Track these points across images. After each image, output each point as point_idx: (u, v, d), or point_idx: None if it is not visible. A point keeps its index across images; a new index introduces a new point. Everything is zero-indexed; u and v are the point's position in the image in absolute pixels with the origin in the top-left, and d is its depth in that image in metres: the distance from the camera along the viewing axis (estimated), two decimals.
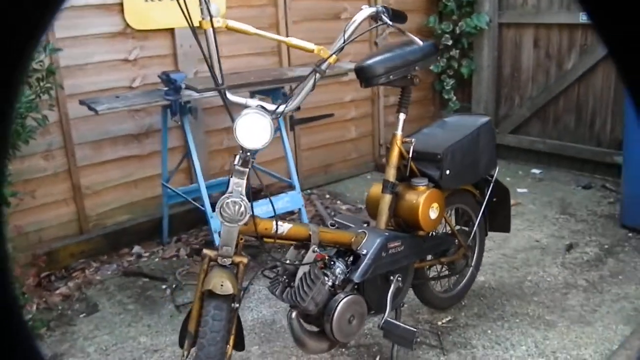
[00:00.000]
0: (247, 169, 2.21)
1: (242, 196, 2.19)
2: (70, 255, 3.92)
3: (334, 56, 2.23)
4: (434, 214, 2.77)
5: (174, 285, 3.67)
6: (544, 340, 2.97)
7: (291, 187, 4.04)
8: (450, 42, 5.44)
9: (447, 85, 5.54)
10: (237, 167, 2.22)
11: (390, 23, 2.33)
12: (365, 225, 2.79)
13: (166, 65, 4.17)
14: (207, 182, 3.90)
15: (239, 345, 2.49)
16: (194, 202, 3.86)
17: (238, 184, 2.21)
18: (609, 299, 3.30)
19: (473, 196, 3.19)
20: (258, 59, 4.65)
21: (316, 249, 2.45)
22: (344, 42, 2.25)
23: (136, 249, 4.17)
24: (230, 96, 2.28)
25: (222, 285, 2.12)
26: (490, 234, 3.39)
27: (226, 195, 2.19)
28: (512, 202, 4.12)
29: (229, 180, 2.23)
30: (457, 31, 5.38)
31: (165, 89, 3.52)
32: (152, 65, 4.14)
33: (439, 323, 3.16)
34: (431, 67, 5.59)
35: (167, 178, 4.07)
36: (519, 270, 3.65)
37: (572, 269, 3.62)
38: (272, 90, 3.90)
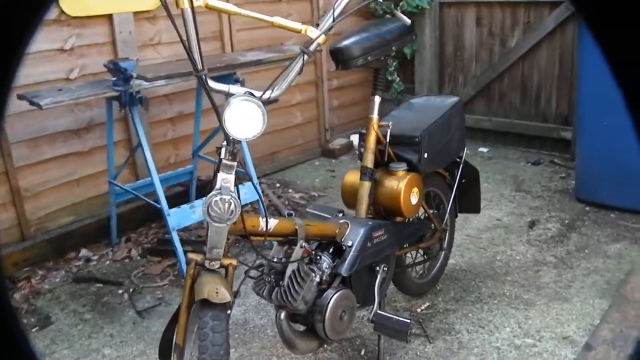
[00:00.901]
0: (236, 163, 2.01)
1: (231, 193, 1.99)
2: (13, 264, 3.58)
3: (322, 36, 2.05)
4: (414, 199, 2.64)
5: (131, 290, 3.41)
6: (526, 320, 2.90)
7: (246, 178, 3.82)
8: None
9: (390, 67, 5.41)
10: (225, 161, 2.01)
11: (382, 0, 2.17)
12: (340, 214, 2.64)
13: (105, 54, 3.87)
14: (160, 175, 3.64)
15: None
16: (146, 199, 3.59)
17: (226, 180, 2.00)
18: (580, 273, 3.27)
19: (443, 178, 3.09)
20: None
21: (303, 244, 2.28)
22: (333, 21, 2.07)
23: (84, 252, 3.86)
24: (212, 83, 2.06)
25: (218, 293, 1.91)
26: None
27: (214, 192, 1.98)
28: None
29: (214, 176, 2.02)
30: (399, 11, 5.25)
31: (113, 78, 3.23)
32: (90, 54, 3.83)
33: (419, 310, 3.05)
34: None
35: (114, 175, 3.78)
36: (487, 251, 3.59)
37: (539, 246, 3.59)
38: (224, 77, 3.67)
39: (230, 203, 1.97)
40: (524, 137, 5.08)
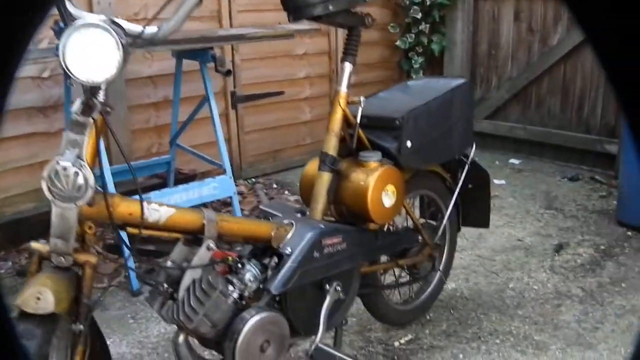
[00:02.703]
0: (90, 119, 1.38)
1: (80, 161, 1.36)
2: None
3: None
4: (388, 200, 1.95)
5: None
6: None
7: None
8: (419, 15, 4.65)
9: (416, 64, 4.72)
10: (75, 116, 1.38)
11: None
12: (299, 215, 1.97)
13: None
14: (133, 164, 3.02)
15: None
16: (98, 188, 2.98)
17: (74, 142, 1.37)
18: (612, 312, 2.50)
19: (443, 181, 2.38)
20: (193, 24, 3.78)
21: (212, 245, 1.61)
22: None
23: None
24: (71, 7, 1.44)
25: (39, 300, 1.28)
26: (462, 229, 2.58)
27: (55, 159, 1.36)
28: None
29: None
30: (427, 3, 4.57)
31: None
32: None
33: (396, 344, 2.34)
34: (397, 43, 4.78)
35: None
36: (499, 276, 2.84)
37: (564, 275, 2.82)
38: (199, 51, 3.05)
39: (77, 174, 1.34)
40: (562, 149, 4.28)
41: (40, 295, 1.29)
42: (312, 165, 2.07)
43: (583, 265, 2.90)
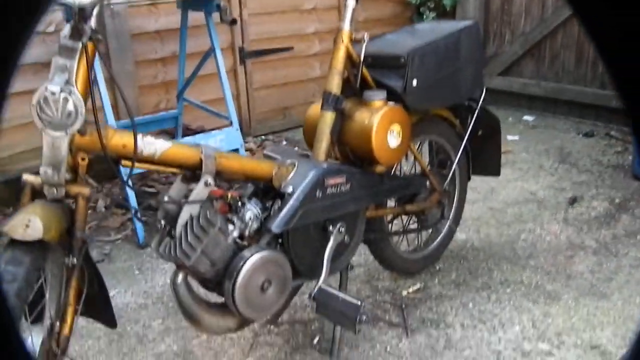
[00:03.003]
0: (80, 43, 1.31)
1: (70, 86, 1.30)
2: None
3: None
4: (394, 140, 1.88)
5: None
6: (544, 317, 2.10)
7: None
8: None
9: (427, 19, 4.59)
10: (64, 40, 1.32)
11: None
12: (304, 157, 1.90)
13: None
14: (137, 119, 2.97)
15: (104, 318, 1.65)
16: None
17: (63, 67, 1.31)
18: (626, 264, 2.43)
19: (451, 127, 2.30)
20: None
21: (210, 180, 1.55)
22: None
23: None
24: None
25: (27, 226, 1.24)
26: (473, 183, 2.51)
27: (44, 85, 1.30)
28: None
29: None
30: None
31: None
32: None
33: (404, 293, 2.28)
34: None
35: None
36: (510, 227, 2.76)
37: (578, 227, 2.74)
38: (204, 1, 2.97)
39: (67, 100, 1.28)
40: (576, 105, 4.15)
41: (29, 222, 1.24)
42: (316, 107, 2.00)
43: (597, 218, 2.81)
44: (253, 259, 1.57)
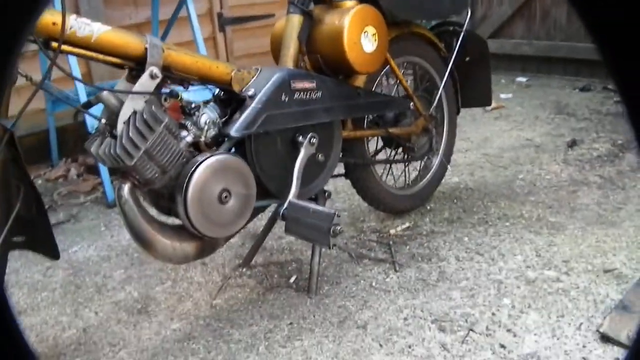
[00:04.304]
0: None
1: None
2: None
3: None
4: (369, 43, 1.64)
5: (47, 207, 2.52)
6: (549, 247, 1.84)
7: None
8: None
9: None
10: None
11: None
12: None
13: None
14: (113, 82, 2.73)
15: (45, 248, 1.41)
16: (81, 109, 2.70)
17: None
18: (635, 194, 2.18)
19: (436, 49, 2.06)
20: None
21: (157, 72, 1.31)
22: None
23: None
24: None
25: None
26: (465, 133, 2.28)
27: None
28: (493, 104, 3.03)
29: None
30: None
31: None
32: None
33: (392, 231, 2.03)
34: None
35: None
36: (507, 169, 2.51)
37: (579, 166, 2.49)
38: None
39: None
40: (571, 62, 3.91)
41: None
42: (282, 21, 1.76)
43: (600, 157, 2.56)
44: (208, 161, 1.33)
